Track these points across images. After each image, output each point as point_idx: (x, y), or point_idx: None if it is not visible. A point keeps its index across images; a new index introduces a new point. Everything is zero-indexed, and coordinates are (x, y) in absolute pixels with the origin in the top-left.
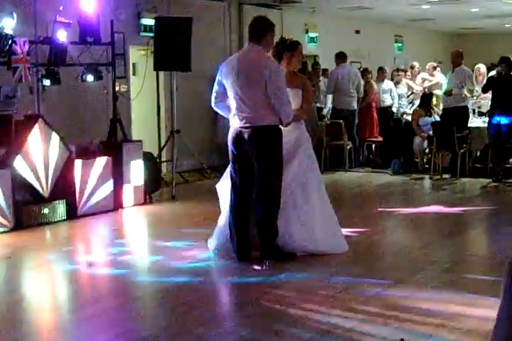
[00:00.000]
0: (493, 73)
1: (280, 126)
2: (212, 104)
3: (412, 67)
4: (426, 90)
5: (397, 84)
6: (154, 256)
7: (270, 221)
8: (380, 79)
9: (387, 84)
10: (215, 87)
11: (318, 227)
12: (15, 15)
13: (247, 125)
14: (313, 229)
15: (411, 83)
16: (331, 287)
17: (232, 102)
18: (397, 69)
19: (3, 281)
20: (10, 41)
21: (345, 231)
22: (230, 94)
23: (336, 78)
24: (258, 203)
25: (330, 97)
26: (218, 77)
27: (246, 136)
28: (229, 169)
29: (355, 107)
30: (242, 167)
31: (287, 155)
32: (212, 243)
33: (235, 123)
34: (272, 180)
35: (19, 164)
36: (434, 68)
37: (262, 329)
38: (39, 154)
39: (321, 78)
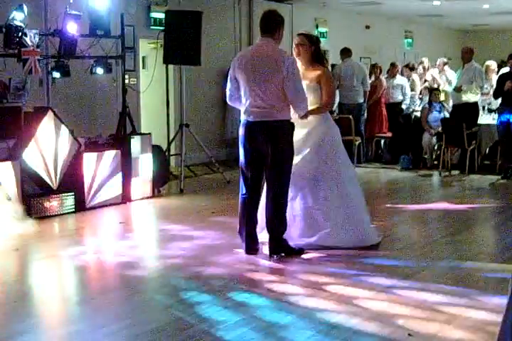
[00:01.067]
0: (504, 71)
1: (296, 119)
2: (228, 101)
3: (421, 63)
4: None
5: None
6: (162, 250)
7: (280, 215)
8: (392, 74)
9: (399, 79)
10: (229, 85)
11: (360, 223)
12: (25, 8)
13: (261, 119)
14: (358, 225)
15: (416, 79)
16: (338, 282)
17: (245, 96)
18: (406, 66)
19: (12, 273)
20: (20, 33)
21: None
22: (244, 88)
23: (338, 73)
24: (268, 197)
25: (337, 93)
26: (231, 73)
27: (259, 130)
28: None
29: (361, 101)
30: (254, 161)
31: (319, 149)
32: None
33: (247, 118)
34: (282, 175)
35: (28, 156)
36: (445, 64)
37: (265, 323)
38: (48, 146)
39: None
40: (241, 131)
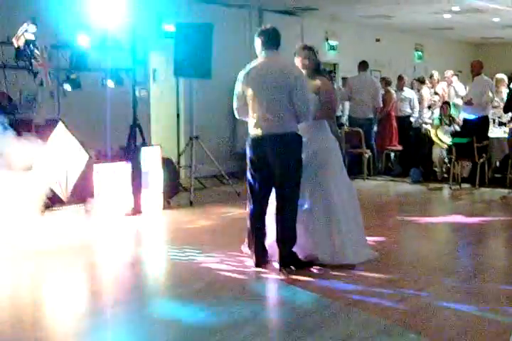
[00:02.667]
0: None
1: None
2: (236, 115)
3: (431, 76)
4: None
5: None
6: (172, 262)
7: (291, 228)
8: (400, 87)
9: (407, 92)
10: (236, 101)
11: (346, 237)
12: (37, 21)
13: (269, 132)
14: (342, 239)
15: (426, 93)
16: (348, 296)
17: (253, 110)
18: (417, 79)
19: (23, 284)
20: (31, 46)
21: None
22: (252, 101)
23: (351, 86)
24: (278, 211)
25: (347, 105)
26: (238, 87)
27: (268, 143)
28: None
29: (370, 116)
30: (261, 174)
31: (315, 162)
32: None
33: (256, 131)
34: (291, 188)
35: (39, 168)
36: (453, 76)
37: (282, 336)
38: (58, 158)
39: (339, 86)
40: (249, 144)
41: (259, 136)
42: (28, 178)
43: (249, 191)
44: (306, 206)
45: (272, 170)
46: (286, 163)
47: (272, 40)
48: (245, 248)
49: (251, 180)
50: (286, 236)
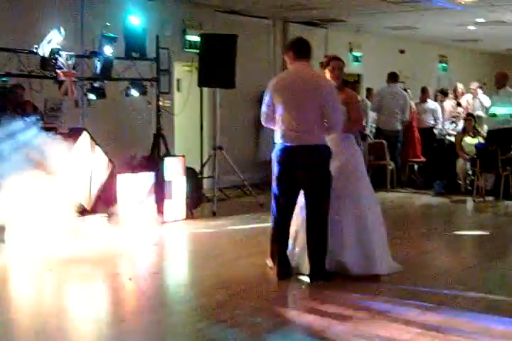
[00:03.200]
0: None
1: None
2: (263, 123)
3: (455, 88)
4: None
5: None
6: (194, 273)
7: (322, 239)
8: (423, 99)
9: (431, 104)
10: (264, 109)
11: (373, 249)
12: (62, 30)
13: (299, 144)
14: (370, 251)
15: (449, 105)
16: (371, 307)
17: (282, 120)
18: (440, 91)
19: (44, 294)
20: (57, 55)
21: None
22: (282, 112)
23: (381, 97)
24: (311, 223)
25: (371, 117)
26: (268, 97)
27: (297, 154)
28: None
29: (399, 129)
30: (288, 185)
31: (343, 174)
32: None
33: (285, 142)
34: (322, 200)
35: (63, 176)
36: (479, 88)
37: None
38: (83, 167)
39: (362, 97)
40: (277, 155)
41: (288, 146)
42: (54, 186)
43: (274, 201)
44: (336, 217)
45: (300, 181)
46: (317, 175)
47: (303, 51)
48: (270, 261)
49: (276, 191)
50: (318, 248)
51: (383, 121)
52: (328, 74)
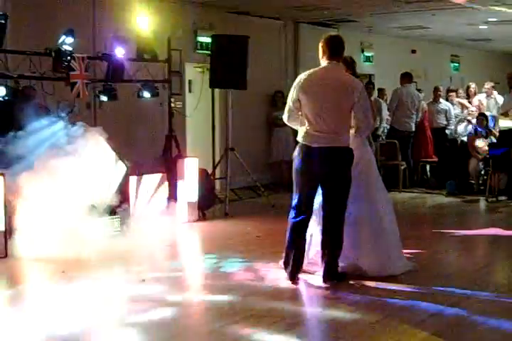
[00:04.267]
0: None
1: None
2: (286, 121)
3: (468, 88)
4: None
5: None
6: (206, 274)
7: (338, 239)
8: (435, 99)
9: (443, 104)
10: (290, 104)
11: (389, 249)
12: (74, 32)
13: (324, 145)
14: (386, 252)
15: (464, 101)
16: (385, 307)
17: (307, 120)
18: (448, 90)
19: (57, 295)
20: (69, 57)
21: None
22: (308, 111)
23: (400, 97)
24: (328, 225)
25: (385, 117)
26: (294, 93)
27: (321, 155)
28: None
29: (413, 129)
30: (308, 185)
31: (357, 174)
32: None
33: (309, 143)
34: (340, 201)
35: (75, 178)
36: (493, 88)
37: None
38: (96, 169)
39: (376, 98)
40: (299, 155)
41: (312, 147)
42: (67, 188)
43: (294, 201)
44: (351, 217)
45: (321, 182)
46: (339, 176)
47: (334, 50)
48: (283, 263)
49: (297, 190)
50: (333, 249)
51: (398, 122)
52: None
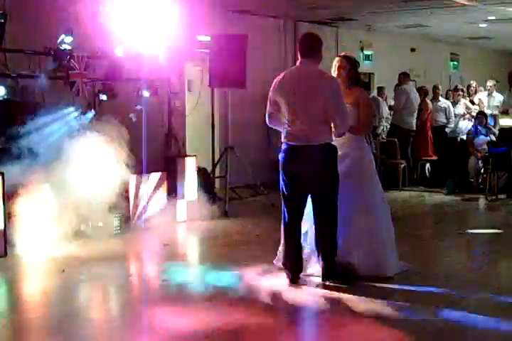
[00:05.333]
0: None
1: (333, 139)
2: (268, 123)
3: (469, 86)
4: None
5: (455, 104)
6: (206, 272)
7: (332, 238)
8: (435, 97)
9: (443, 102)
10: (269, 107)
11: (383, 250)
12: (74, 31)
13: (304, 143)
14: (380, 252)
15: (469, 103)
16: (381, 308)
17: (286, 120)
18: (456, 89)
19: (57, 294)
20: (68, 56)
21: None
22: (285, 111)
23: (407, 95)
24: (319, 224)
25: (385, 115)
26: (271, 96)
27: (302, 154)
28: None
29: (415, 127)
30: (295, 185)
31: (354, 174)
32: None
33: (289, 142)
34: (329, 198)
35: (75, 177)
36: (494, 86)
37: None
38: (95, 167)
39: (374, 96)
40: (282, 156)
41: (293, 146)
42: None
43: (283, 204)
44: (343, 217)
45: (306, 181)
46: (322, 174)
47: (305, 49)
48: (278, 262)
49: (284, 191)
50: (328, 248)
51: (403, 120)
52: (335, 73)
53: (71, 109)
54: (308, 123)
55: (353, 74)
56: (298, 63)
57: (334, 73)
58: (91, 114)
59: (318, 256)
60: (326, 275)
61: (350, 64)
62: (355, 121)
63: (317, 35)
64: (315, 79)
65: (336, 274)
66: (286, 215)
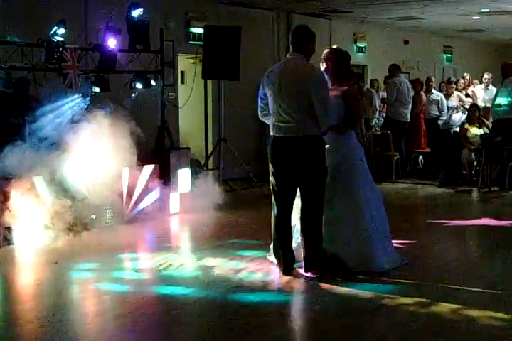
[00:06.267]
0: None
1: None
2: (260, 117)
3: (463, 78)
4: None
5: (448, 96)
6: (200, 264)
7: (317, 231)
8: (428, 90)
9: (436, 95)
10: (259, 101)
11: (371, 246)
12: (66, 23)
13: (289, 135)
14: (368, 248)
15: (462, 96)
16: (375, 300)
17: (273, 112)
18: (449, 81)
19: (49, 286)
20: (61, 48)
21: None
22: (272, 103)
23: (398, 88)
24: (304, 216)
25: (377, 107)
26: (261, 89)
27: (288, 146)
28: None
29: (408, 120)
30: (283, 177)
31: (343, 168)
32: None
33: (276, 133)
34: (316, 191)
35: (67, 169)
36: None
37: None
38: (87, 160)
39: (368, 88)
40: (269, 147)
41: (278, 138)
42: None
43: (272, 194)
44: (334, 211)
45: (294, 173)
46: (308, 166)
47: (295, 42)
48: (271, 257)
49: (273, 183)
50: (312, 240)
51: (396, 112)
52: (323, 67)
53: (65, 100)
54: (293, 116)
55: (342, 67)
56: (288, 56)
57: (323, 65)
58: (85, 105)
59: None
60: (307, 266)
61: (339, 57)
62: (343, 114)
63: (309, 28)
64: (300, 71)
65: (318, 266)
66: (276, 207)
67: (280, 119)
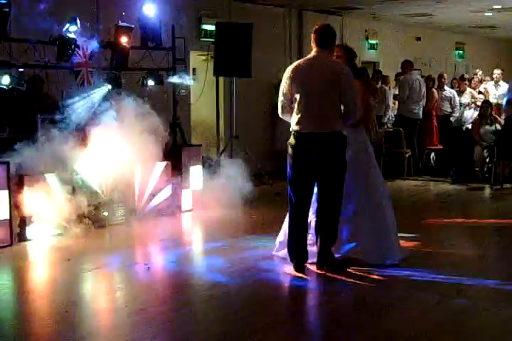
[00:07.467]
0: None
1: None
2: (280, 114)
3: (475, 75)
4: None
5: (461, 93)
6: (211, 262)
7: (334, 227)
8: (440, 86)
9: (448, 91)
10: (282, 97)
11: (389, 237)
12: (78, 20)
13: (316, 131)
14: (386, 240)
15: (474, 92)
16: (388, 296)
17: (299, 108)
18: (462, 78)
19: (62, 283)
20: (73, 46)
21: (402, 240)
22: (299, 99)
23: (410, 85)
24: (322, 211)
25: (390, 104)
26: (284, 84)
27: (313, 142)
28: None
29: (421, 116)
30: (305, 173)
31: (356, 164)
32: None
33: (301, 129)
34: (336, 187)
35: (80, 167)
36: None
37: (322, 336)
38: (99, 157)
39: (381, 85)
40: (292, 142)
41: (304, 133)
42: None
43: (290, 192)
44: (352, 207)
45: (315, 169)
46: (331, 162)
47: (323, 40)
48: (280, 252)
49: (292, 179)
50: (328, 236)
51: (407, 109)
52: None
53: (78, 98)
54: (321, 112)
55: (348, 65)
56: (314, 52)
57: None
58: (103, 103)
59: (316, 243)
60: (320, 262)
61: (347, 54)
62: None
63: (332, 27)
64: (330, 68)
65: (332, 262)
66: (294, 202)
67: (306, 115)
